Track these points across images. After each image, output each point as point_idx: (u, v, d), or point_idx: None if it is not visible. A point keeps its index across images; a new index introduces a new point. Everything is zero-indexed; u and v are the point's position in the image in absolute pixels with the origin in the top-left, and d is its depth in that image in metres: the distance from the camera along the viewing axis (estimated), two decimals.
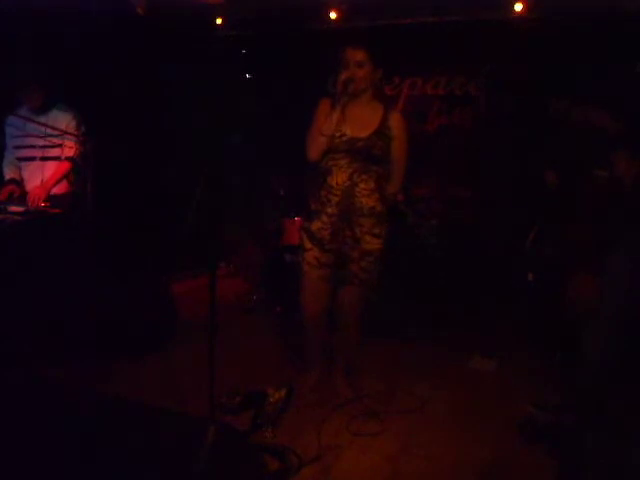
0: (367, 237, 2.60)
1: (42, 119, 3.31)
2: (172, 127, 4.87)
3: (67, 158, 3.40)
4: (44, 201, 3.27)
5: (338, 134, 2.51)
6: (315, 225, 2.62)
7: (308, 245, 2.66)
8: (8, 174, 3.52)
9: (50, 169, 3.42)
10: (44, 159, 3.43)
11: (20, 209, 3.21)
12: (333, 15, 4.87)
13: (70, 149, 3.40)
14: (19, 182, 3.51)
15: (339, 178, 2.55)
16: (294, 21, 5.01)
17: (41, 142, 3.39)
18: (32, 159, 3.46)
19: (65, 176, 3.42)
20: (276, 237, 4.53)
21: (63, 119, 3.39)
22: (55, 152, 3.44)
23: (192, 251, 4.37)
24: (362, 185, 2.55)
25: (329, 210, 2.57)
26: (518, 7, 4.39)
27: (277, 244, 4.50)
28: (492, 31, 4.61)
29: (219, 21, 5.13)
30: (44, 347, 2.92)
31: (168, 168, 4.89)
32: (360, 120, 2.56)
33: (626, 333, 2.35)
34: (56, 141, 3.39)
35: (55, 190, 3.39)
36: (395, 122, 2.58)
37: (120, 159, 3.94)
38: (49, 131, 3.30)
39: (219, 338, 2.27)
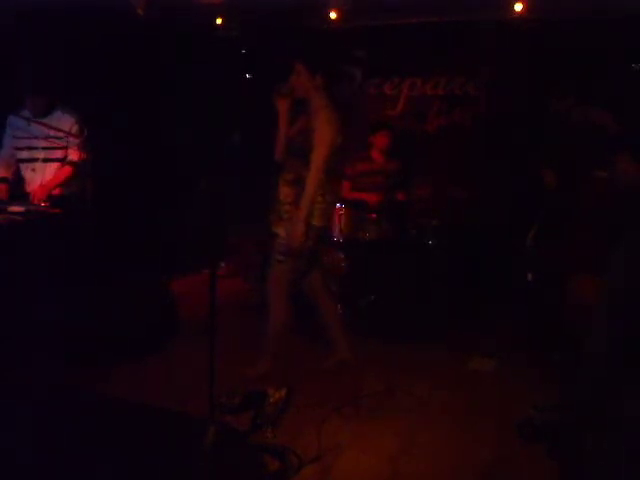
0: (278, 221, 2.87)
1: (45, 121, 3.33)
2: (172, 127, 4.86)
3: (70, 162, 3.41)
4: (44, 201, 3.27)
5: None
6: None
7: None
8: (0, 172, 3.51)
9: (52, 171, 3.42)
10: (46, 161, 3.44)
11: (20, 209, 3.21)
12: (333, 15, 4.87)
13: (74, 154, 3.41)
14: (10, 181, 3.50)
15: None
16: (294, 21, 5.01)
17: (43, 144, 3.40)
18: (34, 160, 3.46)
19: (67, 180, 3.42)
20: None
21: (66, 121, 3.40)
22: (58, 154, 3.44)
23: (192, 251, 4.38)
24: (285, 176, 2.84)
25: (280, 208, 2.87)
26: (518, 7, 4.38)
27: None
28: (492, 31, 4.62)
29: (219, 21, 5.12)
30: (44, 347, 2.92)
31: (168, 168, 4.89)
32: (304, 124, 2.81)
33: (626, 333, 2.35)
34: (59, 143, 3.40)
35: (56, 191, 3.39)
36: (319, 117, 2.74)
37: (120, 159, 3.94)
38: (52, 133, 3.30)
39: (219, 338, 2.27)
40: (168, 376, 2.95)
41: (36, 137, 3.39)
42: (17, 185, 3.54)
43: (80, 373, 2.79)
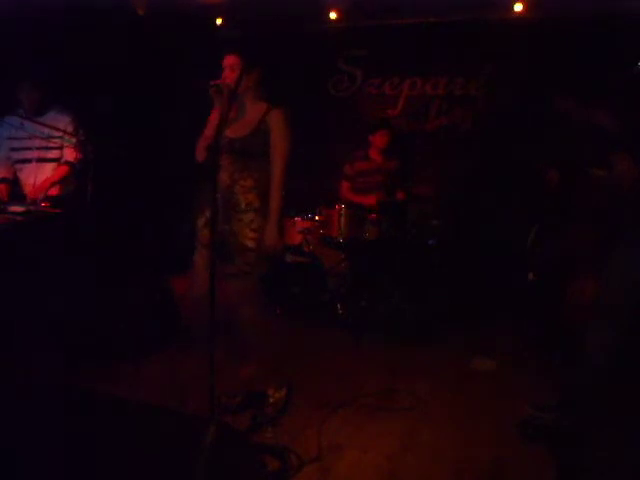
0: (245, 231, 2.64)
1: (40, 119, 3.30)
2: (172, 127, 4.86)
3: (66, 162, 3.40)
4: (44, 201, 3.27)
5: (223, 136, 2.59)
6: (200, 222, 2.72)
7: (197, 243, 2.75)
8: (0, 173, 3.51)
9: (46, 171, 3.41)
10: (40, 161, 3.42)
11: (20, 209, 3.21)
12: (333, 15, 4.87)
13: (70, 153, 3.39)
14: (11, 182, 3.49)
15: (221, 177, 2.63)
16: (294, 21, 5.01)
17: (37, 144, 3.38)
18: (28, 161, 3.44)
19: (63, 179, 3.41)
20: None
21: (61, 121, 3.38)
22: (53, 154, 3.43)
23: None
24: (241, 182, 2.64)
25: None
26: (518, 7, 4.39)
27: None
28: (492, 31, 4.62)
29: (219, 21, 5.13)
30: (44, 347, 2.92)
31: (169, 168, 4.89)
32: (240, 122, 2.67)
33: (626, 333, 2.35)
34: (54, 143, 3.38)
35: (54, 191, 3.38)
36: (273, 117, 2.64)
37: (120, 159, 3.94)
38: (47, 132, 3.29)
39: (219, 338, 2.26)
40: (168, 376, 2.94)
41: (30, 137, 3.37)
42: (15, 185, 3.53)
43: (80, 372, 2.78)
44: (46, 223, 3.23)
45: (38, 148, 3.40)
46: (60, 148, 3.42)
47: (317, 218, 4.39)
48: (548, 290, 3.47)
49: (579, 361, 2.50)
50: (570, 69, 4.17)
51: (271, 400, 2.69)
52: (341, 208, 4.17)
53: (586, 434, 2.33)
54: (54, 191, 3.41)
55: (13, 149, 3.47)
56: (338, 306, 4.13)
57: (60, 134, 3.32)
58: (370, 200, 4.21)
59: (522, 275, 3.67)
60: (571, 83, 3.83)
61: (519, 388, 3.01)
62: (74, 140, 3.38)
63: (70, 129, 3.38)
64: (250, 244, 2.64)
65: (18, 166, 3.49)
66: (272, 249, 2.66)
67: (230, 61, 2.62)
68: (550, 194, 3.47)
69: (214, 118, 2.65)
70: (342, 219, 4.18)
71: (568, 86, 3.55)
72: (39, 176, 3.40)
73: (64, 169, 3.40)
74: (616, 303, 2.35)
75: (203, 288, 2.69)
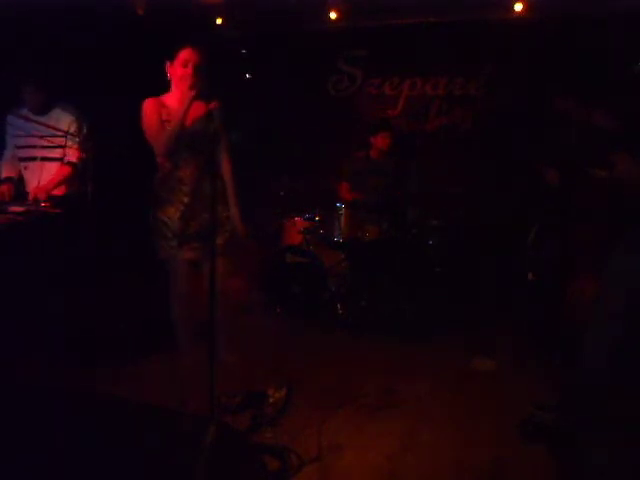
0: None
1: (43, 119, 3.31)
2: None
3: (69, 162, 3.40)
4: (44, 201, 3.27)
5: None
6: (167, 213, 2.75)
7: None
8: (5, 172, 3.51)
9: (50, 170, 3.41)
10: (44, 159, 3.43)
11: (20, 209, 3.21)
12: (333, 15, 4.87)
13: (73, 153, 3.40)
14: (15, 181, 3.50)
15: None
16: (294, 21, 5.01)
17: (42, 142, 3.39)
18: (33, 159, 3.45)
19: (66, 180, 3.42)
20: (276, 237, 4.53)
21: (65, 120, 3.39)
22: (56, 153, 3.43)
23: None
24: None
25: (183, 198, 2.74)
26: (518, 7, 4.39)
27: (277, 244, 4.50)
28: (492, 31, 4.62)
29: (219, 21, 5.13)
30: (44, 348, 2.92)
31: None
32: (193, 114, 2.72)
33: (626, 333, 2.35)
34: (58, 142, 3.39)
35: (59, 191, 3.39)
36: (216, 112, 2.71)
37: (120, 159, 3.94)
38: (50, 131, 3.29)
39: (219, 338, 2.27)
40: (168, 376, 2.94)
41: (35, 136, 3.38)
42: (20, 184, 3.53)
43: (80, 372, 2.79)
44: (46, 223, 3.23)
45: (42, 147, 3.41)
46: (63, 147, 3.43)
47: (317, 218, 4.39)
48: (548, 290, 3.47)
49: (579, 361, 2.50)
50: (570, 69, 4.17)
51: (271, 400, 2.69)
52: (341, 208, 4.18)
53: (586, 434, 2.32)
54: (59, 191, 3.42)
55: (19, 147, 3.48)
56: (338, 306, 4.13)
57: (62, 133, 3.33)
58: (370, 201, 4.21)
59: (522, 275, 3.67)
60: (571, 83, 3.82)
61: (519, 388, 3.01)
62: (77, 140, 3.39)
63: (73, 128, 3.39)
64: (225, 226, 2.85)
65: (23, 164, 3.51)
66: (243, 228, 2.89)
67: (184, 56, 2.69)
68: (550, 194, 3.47)
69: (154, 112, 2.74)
70: (342, 219, 4.19)
71: (568, 86, 3.55)
72: (44, 174, 3.42)
73: (67, 170, 3.41)
74: (616, 303, 2.35)
75: (189, 284, 2.81)
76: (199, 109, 2.70)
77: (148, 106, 2.74)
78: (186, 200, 2.73)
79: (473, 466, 2.31)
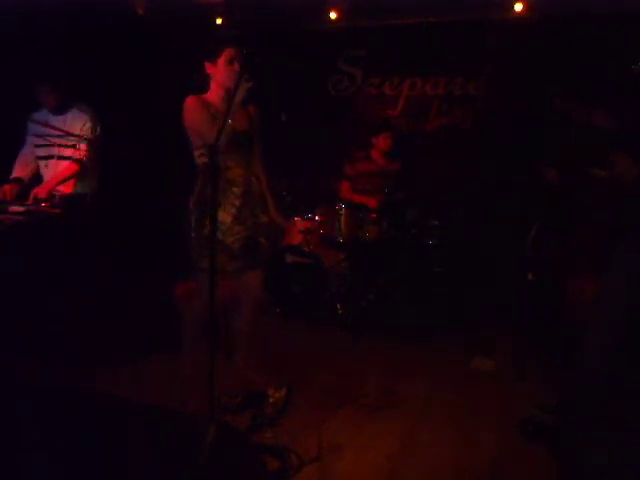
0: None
1: (60, 119, 3.40)
2: (172, 126, 4.86)
3: (76, 160, 3.42)
4: (44, 201, 3.27)
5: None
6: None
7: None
8: (17, 171, 3.53)
9: (63, 169, 3.45)
10: (60, 158, 3.48)
11: (20, 209, 3.20)
12: (333, 15, 4.87)
13: (81, 152, 3.43)
14: (24, 182, 3.51)
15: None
16: (294, 21, 5.01)
17: (58, 141, 3.44)
18: (50, 157, 3.50)
19: (70, 177, 3.43)
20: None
21: (80, 120, 3.45)
22: (69, 152, 3.48)
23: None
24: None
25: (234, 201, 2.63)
26: (518, 7, 4.39)
27: (277, 244, 4.49)
28: (492, 31, 4.61)
29: (219, 21, 5.12)
30: (44, 347, 2.92)
31: (170, 167, 4.89)
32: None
33: (626, 333, 2.35)
34: (71, 141, 3.43)
35: (67, 189, 3.41)
36: (252, 109, 2.77)
37: (122, 158, 3.94)
38: (66, 130, 3.35)
39: (219, 338, 2.27)
40: (168, 376, 2.94)
41: (52, 134, 3.43)
42: (37, 183, 3.54)
43: (80, 372, 2.78)
44: (46, 223, 3.23)
45: (59, 145, 3.46)
46: (74, 146, 3.47)
47: (317, 218, 4.39)
48: (548, 290, 3.47)
49: (579, 361, 2.50)
50: (570, 69, 4.17)
51: (271, 400, 2.69)
52: (341, 208, 4.18)
53: (586, 434, 2.32)
54: (67, 189, 3.43)
55: (37, 146, 3.53)
56: (338, 306, 4.13)
57: (77, 132, 3.37)
58: (371, 201, 4.20)
59: (522, 275, 3.67)
60: (571, 83, 3.83)
61: (519, 388, 3.01)
62: (90, 139, 3.43)
63: (86, 128, 3.45)
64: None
65: (42, 162, 3.54)
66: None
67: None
68: (550, 194, 3.47)
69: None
70: (342, 219, 4.18)
71: (568, 86, 3.55)
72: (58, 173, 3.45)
73: (73, 167, 3.43)
74: (615, 304, 2.35)
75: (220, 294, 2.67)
76: (240, 111, 2.68)
77: (193, 103, 2.68)
78: (237, 203, 2.62)
79: (473, 466, 2.31)
